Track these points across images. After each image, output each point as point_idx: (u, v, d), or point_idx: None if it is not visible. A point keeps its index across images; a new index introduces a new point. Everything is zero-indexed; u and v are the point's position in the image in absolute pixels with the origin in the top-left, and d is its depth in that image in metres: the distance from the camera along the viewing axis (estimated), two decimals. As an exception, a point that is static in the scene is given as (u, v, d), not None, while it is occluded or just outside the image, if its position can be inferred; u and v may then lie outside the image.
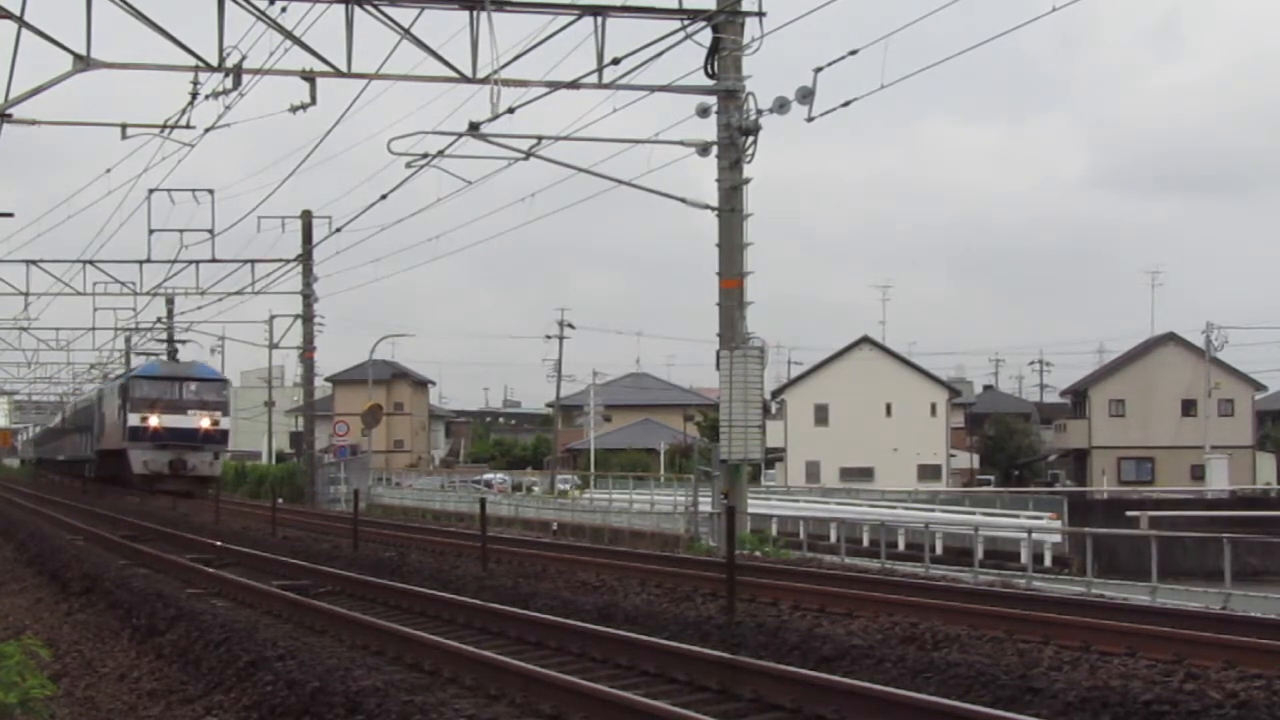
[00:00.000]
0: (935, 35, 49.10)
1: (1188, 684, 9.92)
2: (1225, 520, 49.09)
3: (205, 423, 53.59)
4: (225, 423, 54.89)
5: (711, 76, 24.98)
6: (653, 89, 24.71)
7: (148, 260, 45.12)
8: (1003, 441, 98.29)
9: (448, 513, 51.64)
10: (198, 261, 46.12)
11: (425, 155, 26.83)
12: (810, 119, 23.80)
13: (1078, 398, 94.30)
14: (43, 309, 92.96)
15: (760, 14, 24.04)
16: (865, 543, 40.43)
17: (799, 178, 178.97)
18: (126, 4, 21.99)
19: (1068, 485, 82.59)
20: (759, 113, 25.04)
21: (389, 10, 22.78)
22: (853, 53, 21.96)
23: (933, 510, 50.97)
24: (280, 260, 48.51)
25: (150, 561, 22.42)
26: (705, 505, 30.81)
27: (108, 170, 70.40)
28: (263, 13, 22.40)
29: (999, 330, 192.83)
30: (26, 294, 48.85)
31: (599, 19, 23.44)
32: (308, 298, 51.88)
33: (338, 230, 42.56)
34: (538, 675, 10.41)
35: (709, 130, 25.75)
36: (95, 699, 12.18)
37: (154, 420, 53.09)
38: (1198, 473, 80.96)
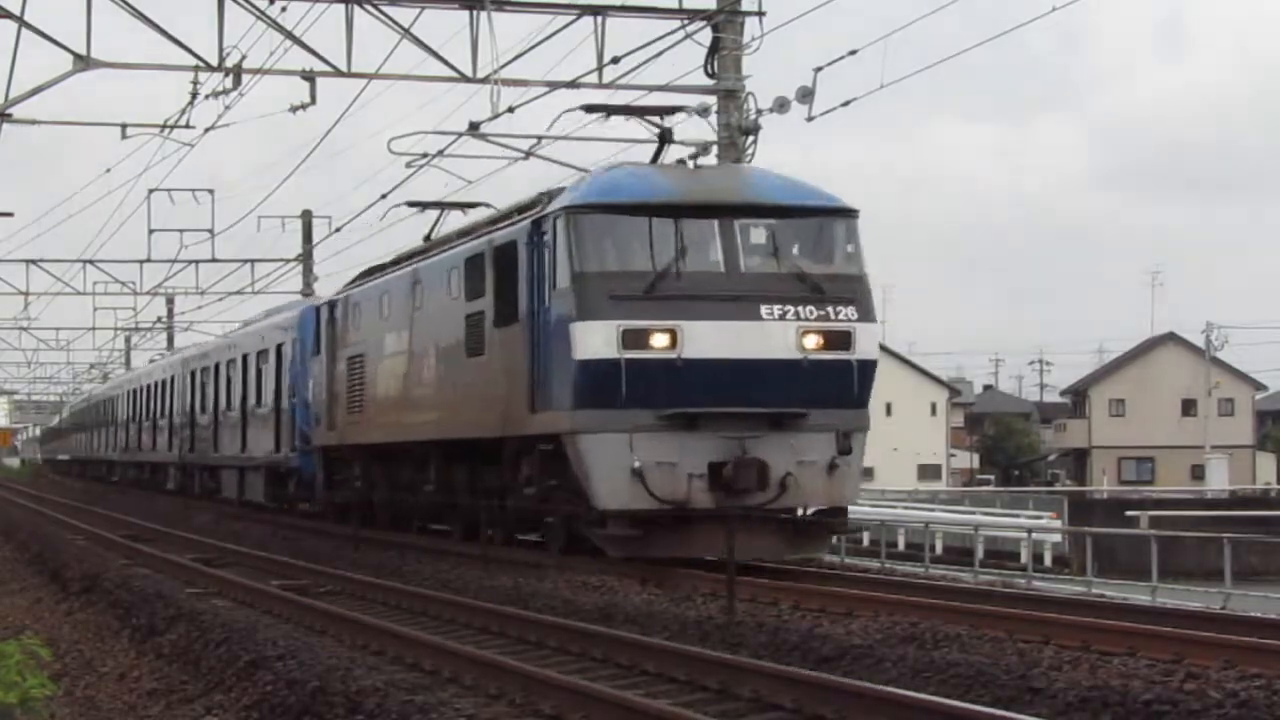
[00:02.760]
0: (936, 35, 49.12)
1: (1188, 684, 9.92)
2: (1225, 520, 49.08)
3: (812, 342, 17.72)
4: (866, 339, 18.15)
5: (711, 76, 24.97)
6: (652, 89, 24.71)
7: (148, 260, 45.11)
8: (1003, 441, 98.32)
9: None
10: (198, 261, 46.05)
11: (425, 155, 26.85)
12: (810, 119, 23.77)
13: (1078, 398, 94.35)
14: (43, 309, 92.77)
15: (760, 14, 24.04)
16: (865, 542, 40.42)
17: (799, 177, 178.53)
18: (126, 4, 22.00)
19: (1068, 485, 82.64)
20: (759, 112, 25.02)
21: (389, 10, 22.78)
22: (852, 52, 21.97)
23: (933, 510, 50.97)
24: (280, 260, 48.46)
25: (150, 561, 22.43)
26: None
27: (108, 170, 70.12)
28: (263, 12, 22.40)
29: (999, 330, 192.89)
30: (26, 294, 48.84)
31: (599, 18, 23.43)
32: (308, 298, 51.85)
33: (338, 230, 42.52)
34: (538, 675, 10.41)
35: (709, 130, 25.74)
36: (95, 699, 12.20)
37: (661, 339, 17.36)
38: (1198, 473, 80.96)
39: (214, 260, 45.76)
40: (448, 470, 22.46)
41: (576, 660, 11.96)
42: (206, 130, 26.47)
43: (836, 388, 17.77)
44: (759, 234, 18.32)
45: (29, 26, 21.92)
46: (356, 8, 22.49)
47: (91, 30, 22.01)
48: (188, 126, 25.97)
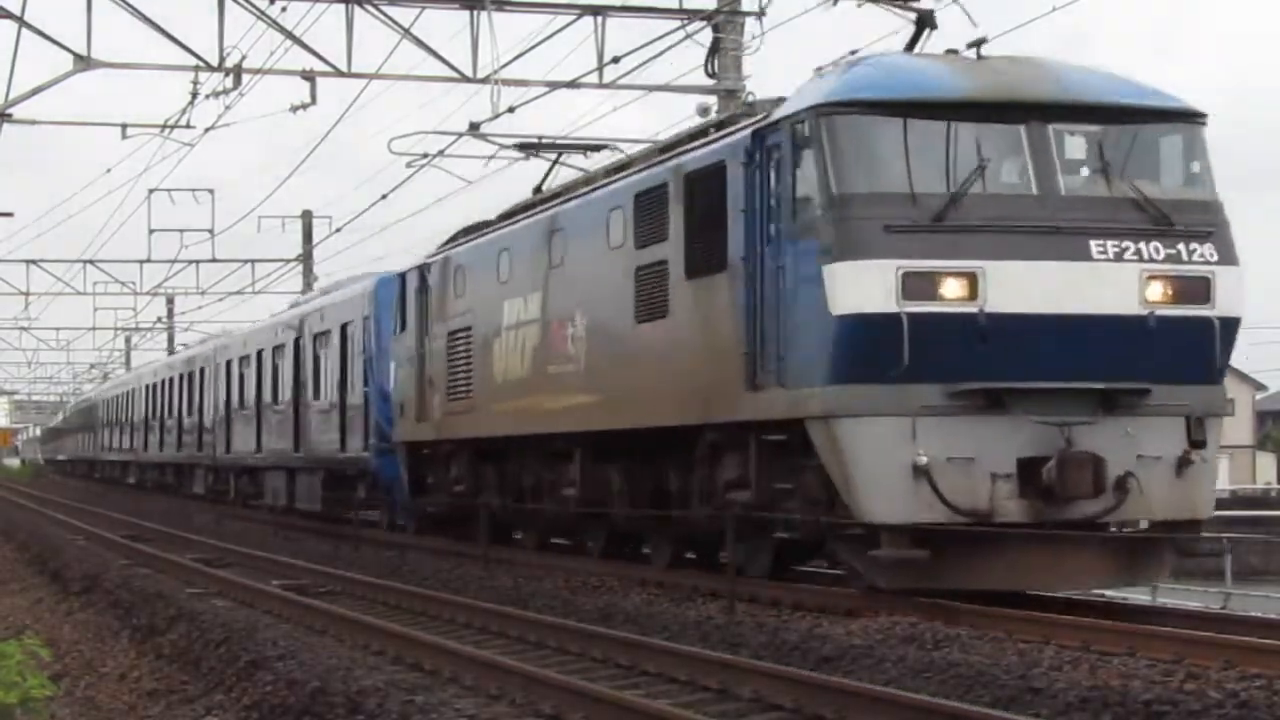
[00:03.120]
0: (937, 34, 48.92)
1: (1188, 684, 9.92)
2: (1225, 520, 49.05)
3: (1158, 291, 13.20)
4: (1229, 288, 13.55)
5: (711, 76, 24.99)
6: (652, 88, 24.74)
7: (148, 260, 45.24)
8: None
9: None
10: (198, 261, 46.22)
11: (425, 155, 26.85)
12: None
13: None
14: (43, 309, 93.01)
15: (760, 14, 24.06)
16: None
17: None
18: (126, 4, 22.01)
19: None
20: (759, 112, 25.01)
21: (389, 10, 22.80)
22: (853, 52, 21.93)
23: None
24: (281, 260, 48.54)
25: (151, 561, 22.44)
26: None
27: (108, 170, 70.43)
28: (263, 12, 22.44)
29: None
30: (27, 294, 48.98)
31: (599, 18, 23.45)
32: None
33: (338, 230, 42.65)
34: (538, 675, 10.41)
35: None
36: (95, 699, 12.19)
37: (955, 286, 12.95)
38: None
39: (214, 260, 45.92)
40: (597, 471, 17.91)
41: (576, 660, 11.96)
42: (207, 130, 26.57)
43: (1189, 356, 13.30)
44: (1078, 144, 13.79)
45: (29, 26, 21.94)
46: (357, 8, 22.50)
47: (92, 30, 22.06)
48: (188, 126, 26.07)
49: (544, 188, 21.84)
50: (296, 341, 31.77)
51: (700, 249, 15.00)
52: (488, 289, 20.40)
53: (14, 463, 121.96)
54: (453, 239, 23.11)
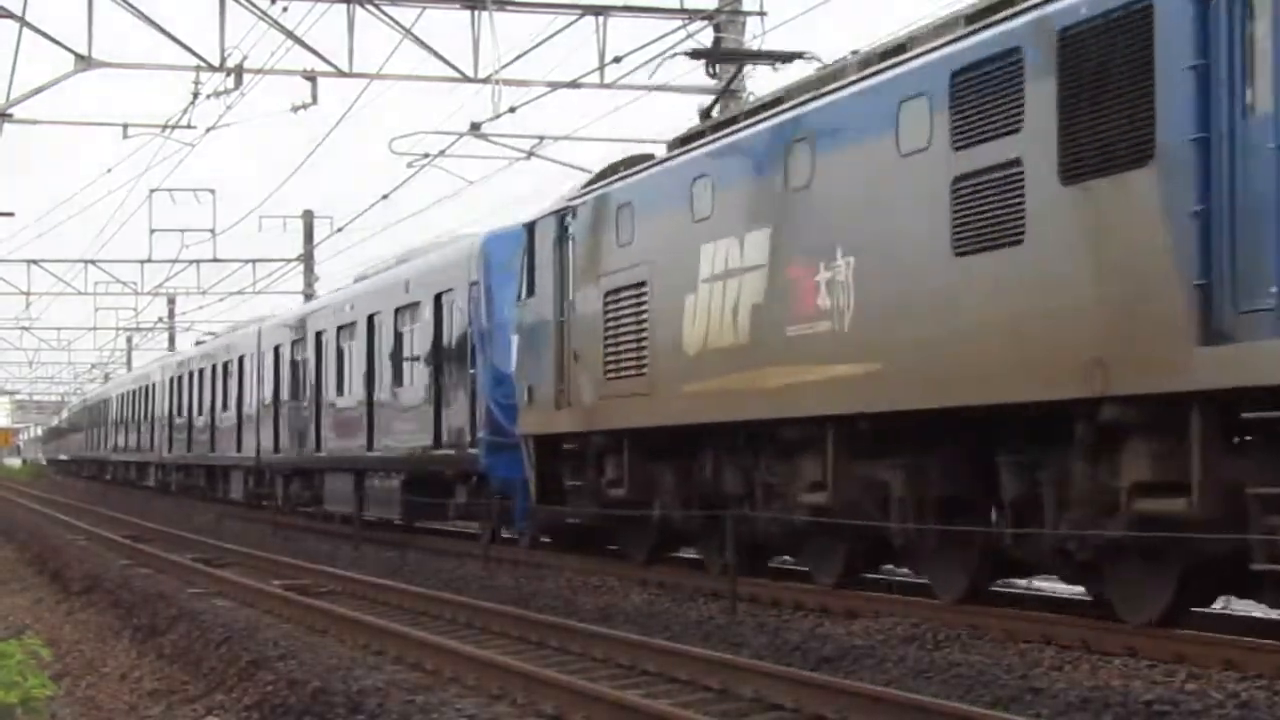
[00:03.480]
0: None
1: (1189, 684, 9.93)
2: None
3: None
4: None
5: (713, 76, 25.02)
6: (653, 88, 24.77)
7: (149, 260, 45.25)
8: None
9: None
10: (199, 261, 46.25)
11: (426, 155, 26.88)
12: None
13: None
14: (44, 309, 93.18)
15: (761, 14, 24.10)
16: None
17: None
18: (128, 4, 22.03)
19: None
20: (761, 111, 24.99)
21: (390, 10, 22.83)
22: (853, 53, 21.97)
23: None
24: (282, 260, 48.58)
25: (151, 561, 22.45)
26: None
27: (109, 170, 70.62)
28: (264, 13, 22.46)
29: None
30: (28, 294, 49.02)
31: (600, 18, 23.49)
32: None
33: (339, 230, 42.74)
34: (539, 675, 10.42)
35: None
36: (96, 699, 12.19)
37: None
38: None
39: (215, 260, 45.94)
40: (857, 468, 13.52)
41: (578, 660, 11.97)
42: (208, 130, 26.65)
43: None
44: None
45: (30, 26, 21.96)
46: (358, 8, 22.53)
47: (93, 30, 22.11)
48: (189, 126, 26.13)
49: (713, 113, 18.35)
50: (371, 318, 27.28)
51: (1092, 137, 10.54)
52: (673, 230, 15.86)
53: (15, 462, 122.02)
54: (600, 177, 18.61)
